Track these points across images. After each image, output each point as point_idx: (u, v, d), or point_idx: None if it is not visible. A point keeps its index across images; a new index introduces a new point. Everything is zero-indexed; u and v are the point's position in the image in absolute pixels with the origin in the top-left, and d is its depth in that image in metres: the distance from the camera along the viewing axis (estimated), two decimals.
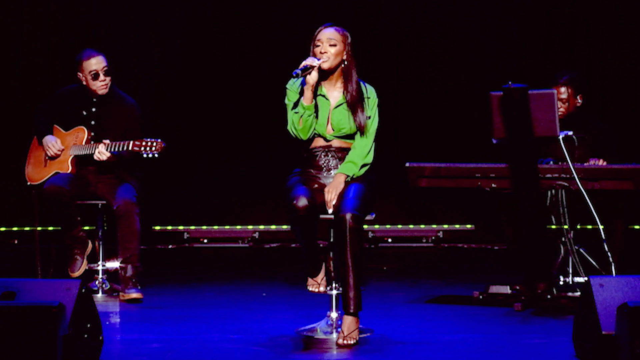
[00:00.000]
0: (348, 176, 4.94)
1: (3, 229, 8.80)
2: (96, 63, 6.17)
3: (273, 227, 8.87)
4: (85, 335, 4.26)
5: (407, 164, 5.94)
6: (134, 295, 5.99)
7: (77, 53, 6.39)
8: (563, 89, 6.08)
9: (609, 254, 5.68)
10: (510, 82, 5.57)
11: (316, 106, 4.97)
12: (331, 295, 5.05)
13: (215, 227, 8.91)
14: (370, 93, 5.05)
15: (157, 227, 8.87)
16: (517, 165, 5.70)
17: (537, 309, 5.61)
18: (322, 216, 4.92)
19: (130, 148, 5.93)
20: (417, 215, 8.88)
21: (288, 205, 4.80)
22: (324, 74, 4.99)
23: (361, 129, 4.98)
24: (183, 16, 8.86)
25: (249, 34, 8.83)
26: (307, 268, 5.09)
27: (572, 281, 5.92)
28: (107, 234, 6.32)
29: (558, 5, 8.72)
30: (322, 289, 5.08)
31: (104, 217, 6.31)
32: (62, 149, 6.19)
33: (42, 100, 6.67)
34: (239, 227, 8.91)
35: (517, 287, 5.88)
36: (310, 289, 5.12)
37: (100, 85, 6.19)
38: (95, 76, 6.17)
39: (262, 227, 8.89)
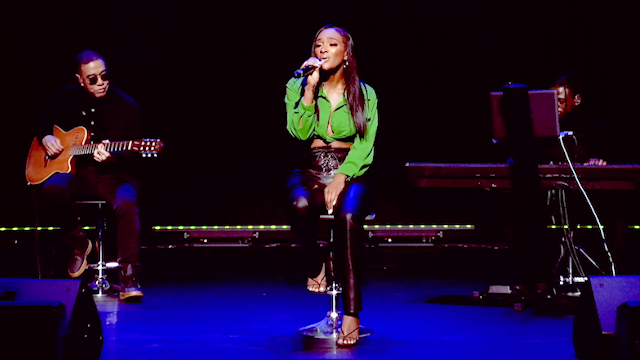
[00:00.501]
0: (348, 176, 4.94)
1: (3, 229, 8.80)
2: (94, 67, 6.17)
3: (273, 227, 8.87)
4: (85, 335, 4.26)
5: (407, 164, 5.94)
6: (134, 293, 5.98)
7: (77, 53, 6.39)
8: (561, 89, 6.08)
9: (609, 254, 5.69)
10: (510, 82, 5.57)
11: (316, 107, 4.97)
12: (331, 295, 5.05)
13: (215, 227, 8.91)
14: (370, 95, 5.04)
15: (157, 227, 8.87)
16: (517, 165, 5.70)
17: (537, 309, 5.61)
18: (322, 216, 4.92)
19: (129, 148, 5.93)
20: (417, 215, 8.88)
21: (288, 206, 4.80)
22: (325, 75, 4.99)
23: (361, 132, 4.97)
24: (183, 16, 8.86)
25: (249, 34, 8.83)
26: (307, 268, 5.09)
27: (572, 281, 5.92)
28: (107, 234, 6.32)
29: (558, 5, 8.72)
30: (322, 289, 5.08)
31: (104, 217, 6.31)
32: (61, 148, 6.19)
33: (42, 100, 6.67)
34: (239, 227, 8.91)
35: (517, 287, 5.88)
36: (310, 289, 5.12)
37: (98, 89, 6.19)
38: (93, 80, 6.17)
39: (262, 227, 8.89)
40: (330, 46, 4.95)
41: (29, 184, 6.29)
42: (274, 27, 8.80)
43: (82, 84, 6.22)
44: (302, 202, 4.76)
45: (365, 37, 8.40)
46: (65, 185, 6.04)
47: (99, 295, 6.24)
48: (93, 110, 6.25)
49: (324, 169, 5.04)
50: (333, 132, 5.00)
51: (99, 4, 8.79)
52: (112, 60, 6.36)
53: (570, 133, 5.70)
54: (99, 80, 6.18)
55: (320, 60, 4.92)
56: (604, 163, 5.88)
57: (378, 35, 8.81)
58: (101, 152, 6.00)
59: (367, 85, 5.07)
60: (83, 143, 6.18)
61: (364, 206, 4.85)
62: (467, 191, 5.97)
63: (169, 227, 8.91)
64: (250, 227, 8.89)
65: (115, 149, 5.99)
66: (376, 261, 7.86)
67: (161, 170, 7.77)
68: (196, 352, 4.71)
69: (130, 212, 6.03)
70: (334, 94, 5.04)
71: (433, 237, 8.82)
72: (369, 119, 5.00)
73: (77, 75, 6.21)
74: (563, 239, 5.83)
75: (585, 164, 5.80)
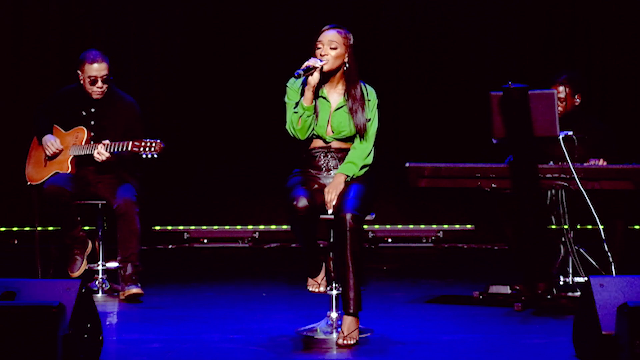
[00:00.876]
0: (348, 176, 4.94)
1: (3, 229, 8.80)
2: (97, 70, 6.16)
3: (273, 227, 8.87)
4: (85, 335, 4.26)
5: (407, 164, 5.94)
6: (135, 290, 5.98)
7: (77, 53, 6.40)
8: (561, 88, 6.09)
9: (609, 254, 5.69)
10: (510, 82, 5.57)
11: (316, 107, 4.97)
12: (331, 295, 5.05)
13: (215, 227, 8.91)
14: (370, 95, 5.04)
15: (157, 227, 8.87)
16: (517, 165, 5.70)
17: (537, 309, 5.61)
18: (322, 216, 4.92)
19: (129, 148, 5.93)
20: (417, 215, 8.88)
21: (288, 206, 4.80)
22: (325, 76, 4.98)
23: (361, 132, 4.97)
24: (183, 16, 8.86)
25: (249, 34, 8.83)
26: (307, 268, 5.09)
27: (572, 281, 5.92)
28: (107, 234, 6.32)
29: (558, 5, 8.72)
30: (322, 289, 5.08)
31: (104, 217, 6.31)
32: (60, 148, 6.19)
33: (42, 100, 6.67)
34: (239, 227, 8.91)
35: (517, 287, 5.88)
36: (310, 289, 5.12)
37: (96, 91, 6.19)
38: (93, 82, 6.17)
39: (262, 227, 8.89)
40: (330, 49, 4.94)
41: (29, 184, 6.29)
42: (274, 27, 8.80)
43: (81, 81, 6.22)
44: (302, 202, 4.76)
45: (365, 37, 8.39)
46: (66, 185, 6.04)
47: (99, 295, 6.24)
48: (93, 110, 6.25)
49: (324, 169, 5.03)
50: (333, 132, 5.00)
51: (99, 4, 8.79)
52: (112, 60, 6.35)
53: (570, 133, 5.70)
54: (99, 83, 6.18)
55: (321, 60, 4.92)
56: (604, 163, 5.89)
57: (378, 35, 8.81)
58: (101, 153, 6.00)
59: (367, 86, 5.07)
60: (83, 143, 6.18)
61: (364, 206, 4.85)
62: (467, 191, 5.97)
63: (169, 227, 8.91)
64: (250, 227, 8.89)
65: (116, 149, 5.99)
66: (376, 261, 7.86)
67: (161, 170, 7.76)
68: (196, 352, 4.71)
69: (130, 212, 6.03)
70: (334, 94, 5.03)
71: (433, 237, 8.82)
72: (369, 120, 4.99)
73: (79, 72, 6.21)
74: (563, 239, 5.84)
75: (585, 164, 5.80)
